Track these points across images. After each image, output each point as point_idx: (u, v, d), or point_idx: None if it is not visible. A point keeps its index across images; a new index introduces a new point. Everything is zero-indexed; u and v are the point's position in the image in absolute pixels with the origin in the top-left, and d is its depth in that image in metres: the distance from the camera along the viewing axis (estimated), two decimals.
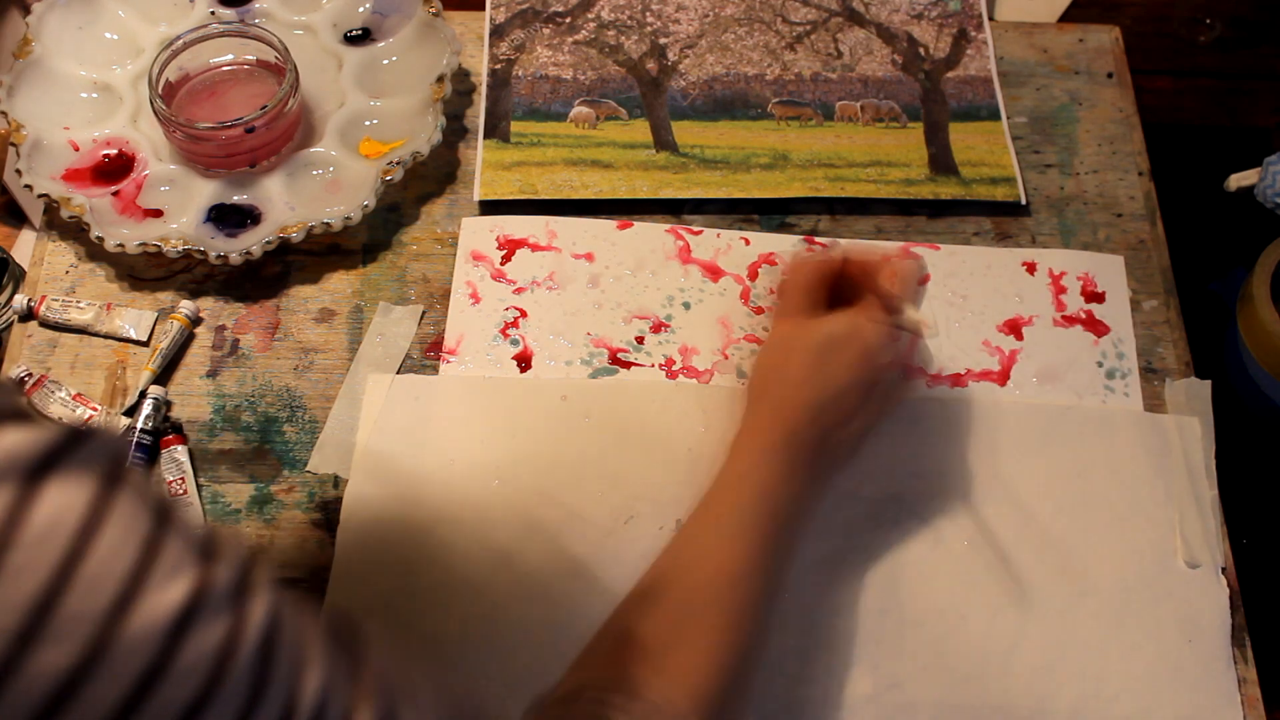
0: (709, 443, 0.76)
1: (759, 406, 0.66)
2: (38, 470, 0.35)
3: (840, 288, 0.71)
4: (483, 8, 0.95)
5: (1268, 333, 0.75)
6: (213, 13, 0.90)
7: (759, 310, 0.82)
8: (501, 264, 0.83)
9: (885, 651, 0.70)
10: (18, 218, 0.91)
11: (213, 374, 0.79)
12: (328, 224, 0.81)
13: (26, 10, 0.89)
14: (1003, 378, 0.80)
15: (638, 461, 0.75)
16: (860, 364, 0.66)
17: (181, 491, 0.74)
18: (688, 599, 0.59)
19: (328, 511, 0.74)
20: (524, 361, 0.79)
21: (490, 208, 0.86)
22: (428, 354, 0.80)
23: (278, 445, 0.77)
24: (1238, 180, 0.88)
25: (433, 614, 0.70)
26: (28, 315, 0.81)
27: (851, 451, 0.68)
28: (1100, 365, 0.80)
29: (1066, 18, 0.99)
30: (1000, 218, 0.87)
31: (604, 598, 0.71)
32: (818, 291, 0.70)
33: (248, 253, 0.79)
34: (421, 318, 0.81)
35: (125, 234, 0.80)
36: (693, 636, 0.57)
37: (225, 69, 0.87)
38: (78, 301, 0.81)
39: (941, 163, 0.88)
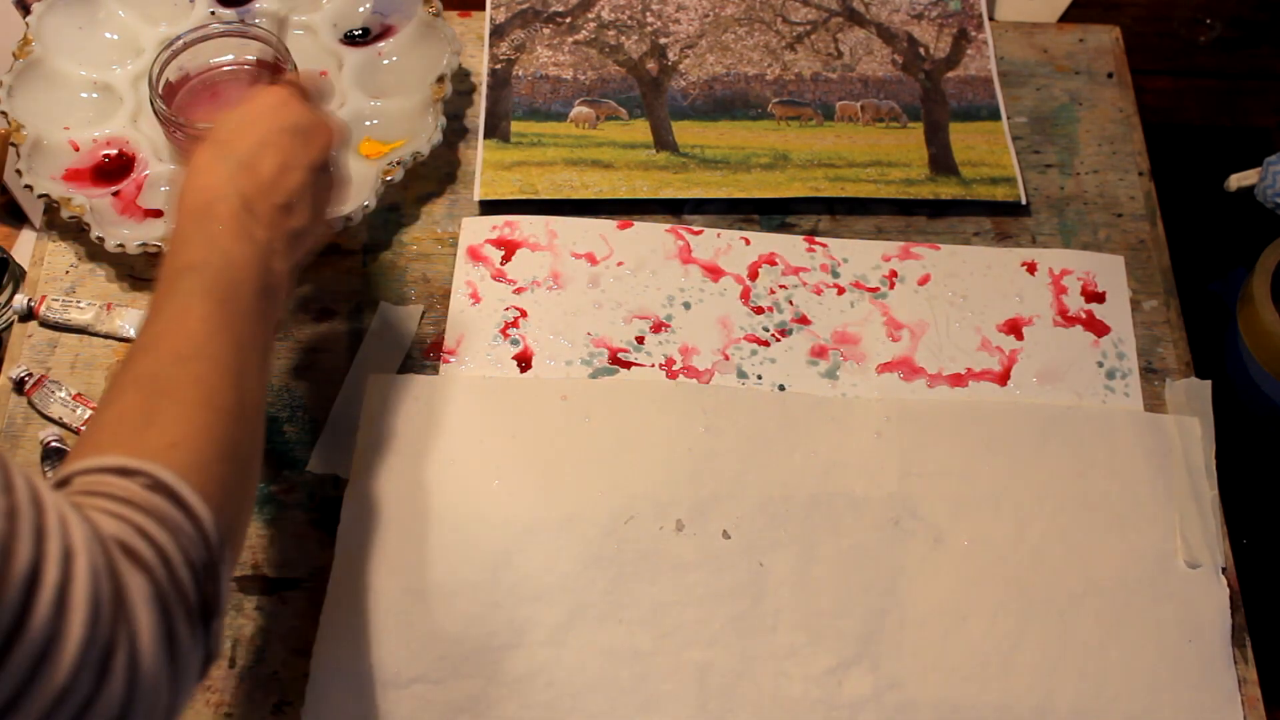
0: (709, 443, 0.76)
1: (181, 195, 0.63)
2: None
3: None
4: (483, 8, 0.95)
5: (1268, 333, 0.75)
6: (213, 13, 0.90)
7: (759, 310, 0.82)
8: (501, 264, 0.83)
9: (885, 651, 0.70)
10: (18, 218, 0.91)
11: None
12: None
13: (26, 10, 0.89)
14: (1003, 378, 0.80)
15: (638, 461, 0.75)
16: (259, 129, 0.64)
17: None
18: (154, 378, 0.55)
19: (328, 511, 0.74)
20: (524, 361, 0.79)
21: (490, 208, 0.86)
22: (428, 354, 0.80)
23: (278, 445, 0.77)
24: (1238, 180, 0.88)
25: (433, 614, 0.70)
26: (28, 315, 0.81)
27: (290, 206, 0.65)
28: (1100, 365, 0.80)
29: (1066, 18, 0.99)
30: (1000, 218, 0.87)
31: (604, 598, 0.71)
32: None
33: None
34: (421, 318, 0.81)
35: (125, 234, 0.80)
36: (168, 407, 0.54)
37: (225, 69, 0.87)
38: (78, 301, 0.81)
39: (942, 163, 0.88)
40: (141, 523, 0.47)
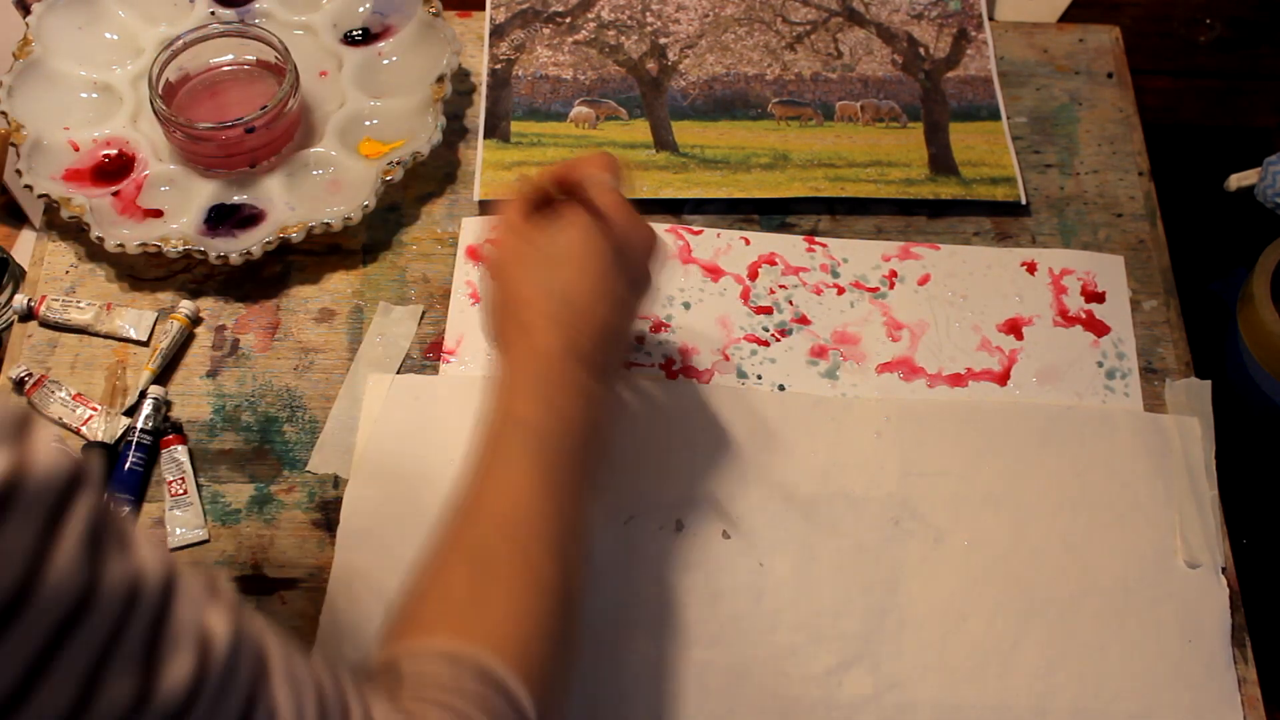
0: (709, 443, 0.76)
1: (504, 345, 0.62)
2: None
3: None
4: (483, 8, 0.95)
5: (1268, 333, 0.75)
6: (213, 13, 0.90)
7: (759, 310, 0.82)
8: None
9: (885, 651, 0.70)
10: (18, 218, 0.91)
11: (213, 374, 0.79)
12: (328, 224, 0.81)
13: (26, 10, 0.89)
14: (1003, 378, 0.80)
15: (638, 461, 0.75)
16: (586, 258, 0.62)
17: (182, 491, 0.74)
18: (479, 551, 0.55)
19: (328, 511, 0.74)
20: None
21: (490, 208, 0.86)
22: (427, 354, 0.80)
23: (278, 445, 0.77)
24: (1238, 180, 0.88)
25: None
26: (28, 315, 0.81)
27: (619, 337, 0.65)
28: (1100, 365, 0.80)
29: (1066, 18, 0.99)
30: (1000, 218, 0.87)
31: (604, 597, 0.71)
32: (528, 211, 0.66)
33: (248, 253, 0.79)
34: (421, 318, 0.81)
35: (125, 234, 0.80)
36: (493, 588, 0.54)
37: (225, 69, 0.87)
38: (78, 301, 0.81)
39: (941, 163, 0.88)
40: (466, 711, 0.48)
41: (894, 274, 0.84)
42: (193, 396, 0.79)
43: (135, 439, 0.75)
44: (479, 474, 0.58)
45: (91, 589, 0.36)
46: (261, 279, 0.83)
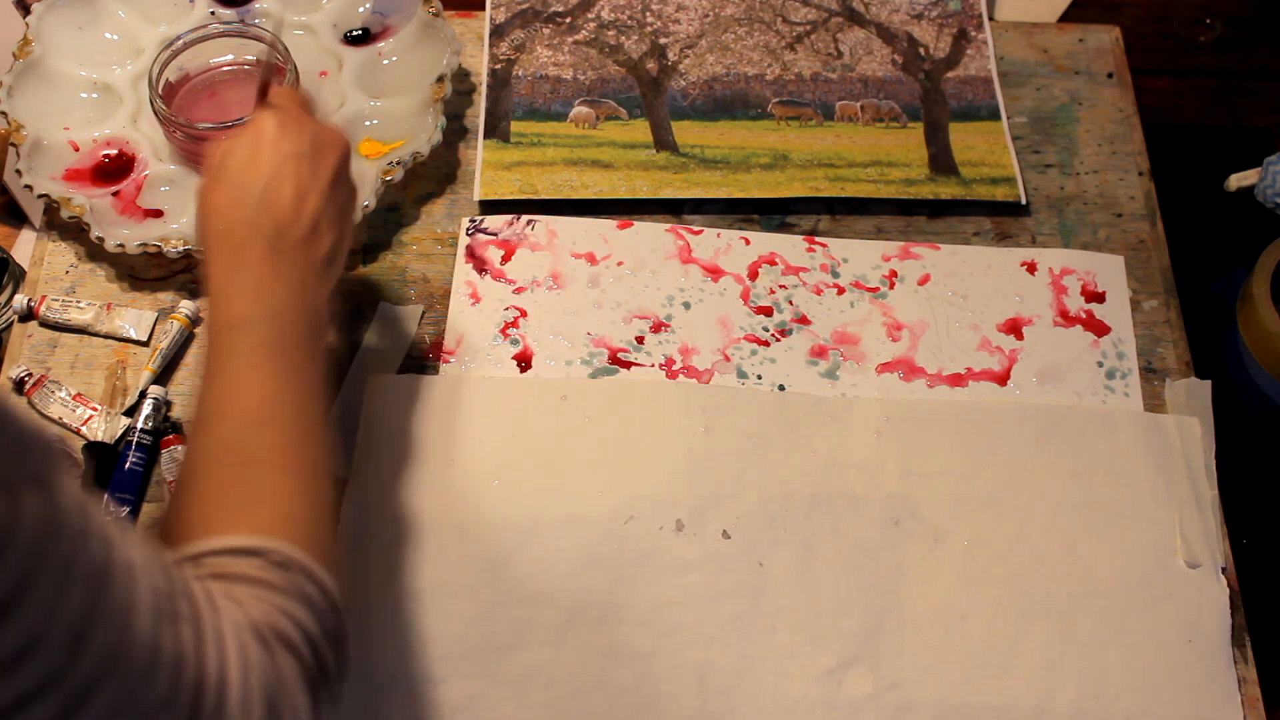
0: (709, 443, 0.76)
1: (206, 245, 0.63)
2: None
3: None
4: (483, 8, 0.95)
5: (1268, 333, 0.75)
6: (213, 13, 0.90)
7: (759, 310, 0.82)
8: (501, 264, 0.83)
9: (885, 651, 0.70)
10: (18, 218, 0.91)
11: None
12: None
13: (26, 10, 0.89)
14: (1003, 378, 0.80)
15: (638, 461, 0.75)
16: (264, 158, 0.63)
17: None
18: (236, 448, 0.56)
19: None
20: (524, 361, 0.79)
21: (490, 208, 0.86)
22: (427, 354, 0.80)
23: None
24: (1238, 180, 0.88)
25: (433, 614, 0.70)
26: (28, 315, 0.81)
27: (314, 233, 0.64)
28: (1100, 365, 0.80)
29: (1066, 18, 0.99)
30: (1000, 218, 0.87)
31: (604, 598, 0.71)
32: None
33: None
34: (421, 318, 0.81)
35: (125, 234, 0.80)
36: (263, 479, 0.55)
37: (225, 69, 0.87)
38: (78, 301, 0.81)
39: (941, 163, 0.88)
40: (284, 605, 0.50)
41: (894, 274, 0.84)
42: (193, 396, 0.78)
43: (135, 439, 0.75)
44: (212, 385, 0.59)
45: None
46: None
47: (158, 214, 0.82)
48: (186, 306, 0.81)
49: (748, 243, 0.85)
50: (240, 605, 0.49)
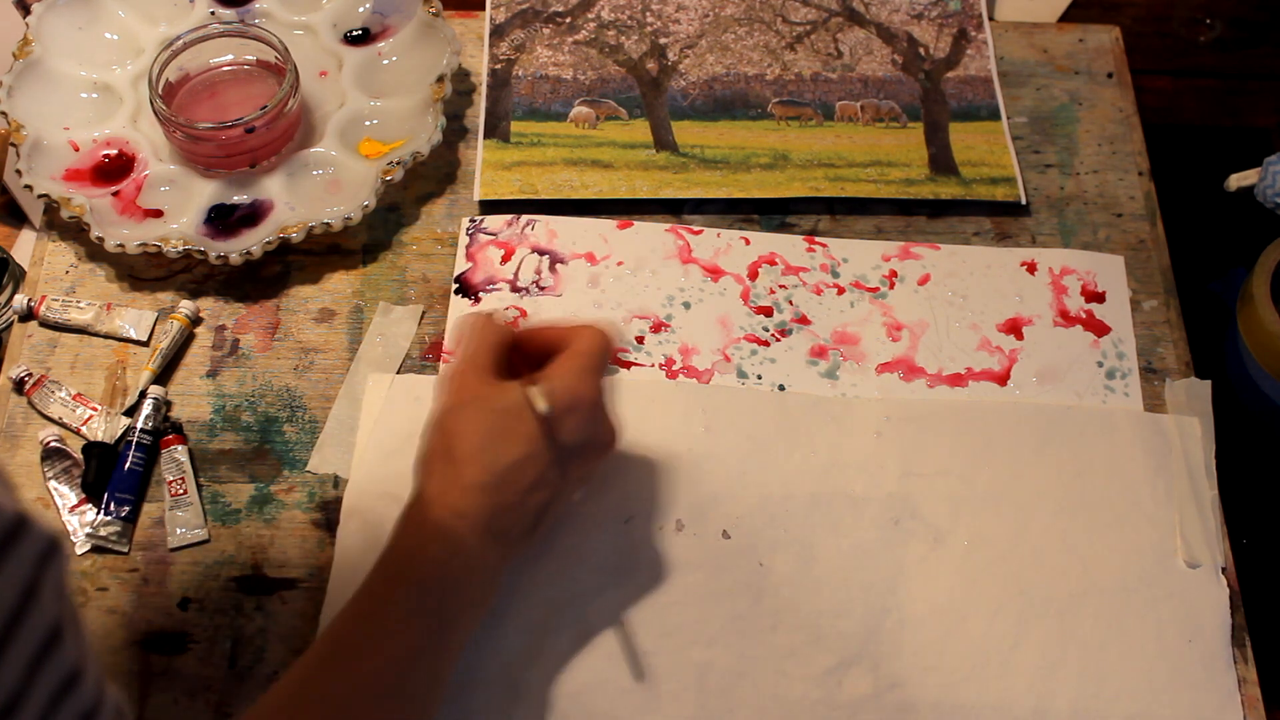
0: (709, 443, 0.76)
1: (429, 481, 0.61)
2: None
3: (523, 357, 0.66)
4: (483, 8, 0.95)
5: (1268, 333, 0.75)
6: (213, 13, 0.90)
7: (759, 310, 0.82)
8: (501, 264, 0.83)
9: (885, 651, 0.70)
10: (18, 218, 0.91)
11: (213, 374, 0.79)
12: (328, 224, 0.81)
13: (26, 10, 0.89)
14: (1003, 378, 0.80)
15: (638, 461, 0.75)
16: (531, 439, 0.60)
17: (182, 491, 0.74)
18: (348, 704, 0.55)
19: (328, 511, 0.74)
20: None
21: (490, 208, 0.86)
22: (427, 354, 0.80)
23: (278, 445, 0.77)
24: (1238, 180, 0.88)
25: None
26: (28, 315, 0.81)
27: (534, 521, 0.63)
28: (1100, 365, 0.80)
29: (1066, 18, 0.99)
30: (1000, 218, 0.87)
31: (603, 598, 0.71)
32: (493, 357, 0.64)
33: (248, 253, 0.79)
34: (421, 318, 0.81)
35: (125, 234, 0.80)
36: None
37: (225, 69, 0.87)
38: (78, 301, 0.81)
39: (941, 163, 0.88)
40: None
41: (894, 274, 0.84)
42: (193, 396, 0.79)
43: (135, 439, 0.75)
44: (365, 618, 0.57)
45: (38, 669, 0.38)
46: (261, 279, 0.83)
47: (158, 214, 0.82)
48: (186, 306, 0.81)
49: (748, 243, 0.85)
50: None
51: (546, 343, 0.65)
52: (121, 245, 0.79)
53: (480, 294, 0.82)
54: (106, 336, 0.81)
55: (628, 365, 0.79)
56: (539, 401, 0.60)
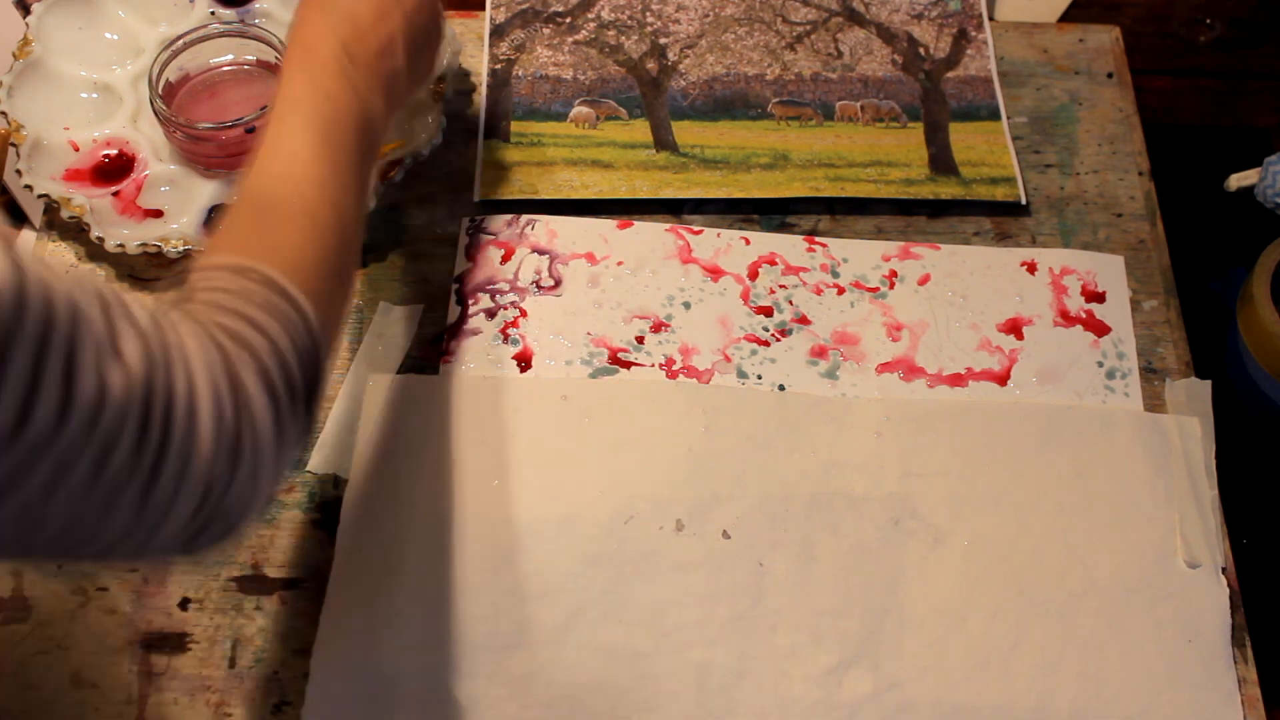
0: (709, 443, 0.76)
1: (289, 54, 0.68)
2: None
3: None
4: (483, 8, 0.95)
5: (1268, 333, 0.75)
6: (213, 13, 0.90)
7: (759, 310, 0.82)
8: (501, 264, 0.83)
9: (885, 651, 0.70)
10: (18, 218, 0.91)
11: None
12: None
13: (26, 10, 0.89)
14: (1003, 378, 0.80)
15: (638, 461, 0.75)
16: None
17: None
18: (261, 196, 0.60)
19: (328, 511, 0.74)
20: (524, 361, 0.79)
21: (490, 208, 0.86)
22: (427, 354, 0.80)
23: None
24: (1238, 180, 0.88)
25: (433, 614, 0.70)
26: None
27: (387, 54, 0.69)
28: (1100, 365, 0.80)
29: (1066, 18, 0.99)
30: (1000, 218, 0.87)
31: (604, 598, 0.71)
32: None
33: None
34: (421, 318, 0.81)
35: (125, 234, 0.80)
36: (276, 221, 0.59)
37: (225, 69, 0.87)
38: None
39: (941, 163, 0.88)
40: (253, 314, 0.53)
41: (894, 274, 0.84)
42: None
43: None
44: (262, 147, 0.63)
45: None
46: None
47: (158, 214, 0.82)
48: None
49: (748, 243, 0.85)
50: (211, 314, 0.52)
51: None
52: (121, 245, 0.79)
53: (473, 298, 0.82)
54: None
55: (628, 365, 0.79)
56: None
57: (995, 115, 0.91)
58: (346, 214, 0.62)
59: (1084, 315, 0.82)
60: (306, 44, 0.67)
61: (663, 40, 0.94)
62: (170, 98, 0.85)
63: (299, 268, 0.57)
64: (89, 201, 0.81)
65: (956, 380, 0.80)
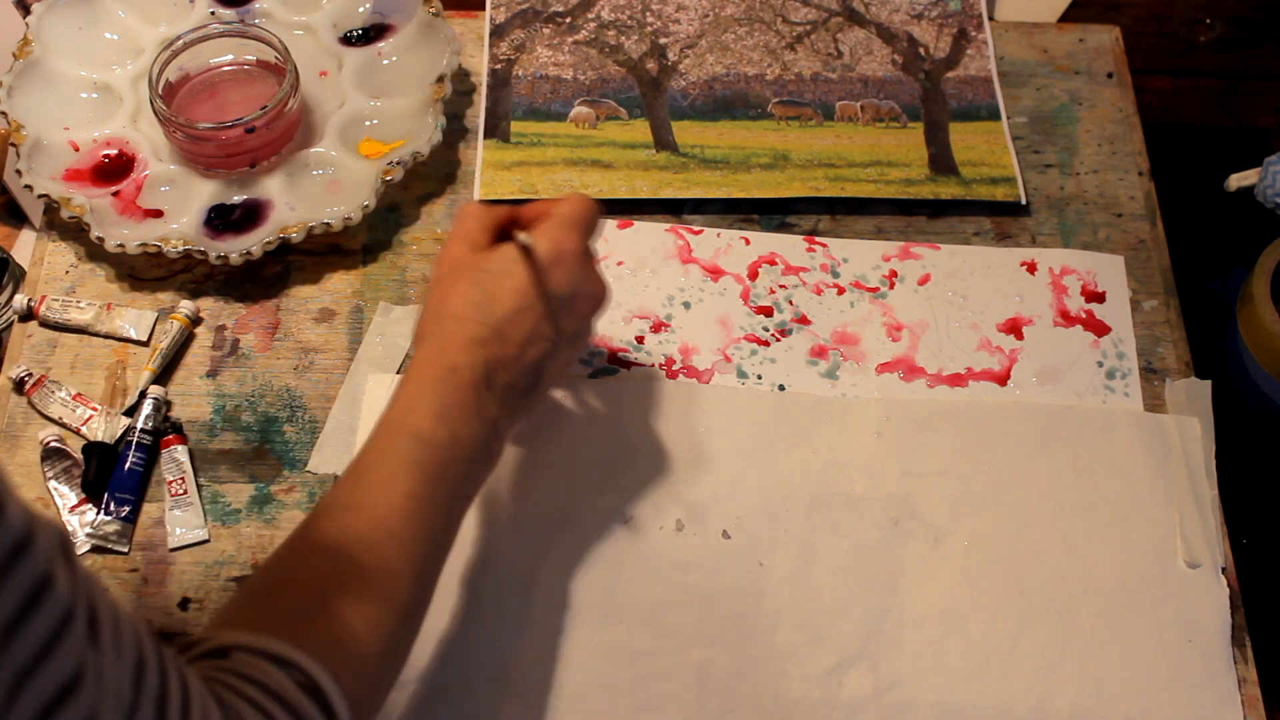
0: (709, 443, 0.76)
1: (421, 347, 0.62)
2: None
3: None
4: (483, 8, 0.95)
5: (1268, 333, 0.75)
6: (213, 13, 0.90)
7: (759, 310, 0.82)
8: None
9: (885, 651, 0.70)
10: (18, 218, 0.91)
11: (213, 374, 0.79)
12: (328, 224, 0.81)
13: (26, 10, 0.89)
14: (1003, 378, 0.80)
15: (638, 461, 0.75)
16: (521, 290, 0.62)
17: (182, 491, 0.74)
18: (343, 550, 0.54)
19: None
20: None
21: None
22: None
23: (278, 445, 0.77)
24: (1238, 180, 0.88)
25: (432, 614, 0.70)
26: (28, 315, 0.81)
27: (532, 378, 0.64)
28: (1100, 365, 0.80)
29: (1066, 18, 0.99)
30: (1000, 218, 0.87)
31: (604, 598, 0.71)
32: (484, 234, 0.66)
33: (248, 253, 0.79)
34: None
35: (125, 234, 0.80)
36: (347, 594, 0.53)
37: (225, 69, 0.87)
38: (78, 301, 0.81)
39: (941, 163, 0.88)
40: None
41: (894, 274, 0.84)
42: (193, 396, 0.79)
43: (135, 439, 0.75)
44: (361, 472, 0.57)
45: None
46: (261, 279, 0.83)
47: (158, 214, 0.82)
48: (186, 306, 0.81)
49: (748, 243, 0.85)
50: (239, 708, 0.47)
51: (534, 216, 0.66)
52: (121, 245, 0.79)
53: None
54: (106, 336, 0.81)
55: (628, 365, 0.79)
56: (522, 236, 0.63)
57: (995, 115, 0.91)
58: (428, 583, 0.57)
59: (1084, 315, 0.82)
60: (442, 357, 0.60)
61: (663, 40, 0.94)
62: (170, 98, 0.85)
63: (356, 667, 0.52)
64: (89, 201, 0.81)
65: (956, 380, 0.80)
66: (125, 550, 0.73)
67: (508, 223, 0.67)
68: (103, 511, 0.73)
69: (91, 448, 0.75)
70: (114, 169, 0.84)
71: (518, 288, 0.62)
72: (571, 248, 0.64)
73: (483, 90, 0.91)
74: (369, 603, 0.53)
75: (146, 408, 0.76)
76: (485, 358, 0.61)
